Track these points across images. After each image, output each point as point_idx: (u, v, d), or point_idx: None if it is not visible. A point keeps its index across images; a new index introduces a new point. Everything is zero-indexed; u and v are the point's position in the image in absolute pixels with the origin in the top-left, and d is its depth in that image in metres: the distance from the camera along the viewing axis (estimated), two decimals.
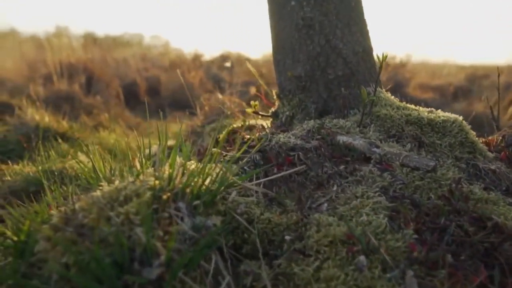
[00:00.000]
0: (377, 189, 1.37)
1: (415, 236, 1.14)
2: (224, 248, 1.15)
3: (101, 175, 1.30)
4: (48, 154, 2.34)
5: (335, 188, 1.42)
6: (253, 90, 2.86)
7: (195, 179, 1.18)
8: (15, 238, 1.10)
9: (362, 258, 1.09)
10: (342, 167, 1.52)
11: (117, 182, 1.13)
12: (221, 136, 2.39)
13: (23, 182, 2.05)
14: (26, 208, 1.21)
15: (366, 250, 1.12)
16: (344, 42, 1.82)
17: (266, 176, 1.47)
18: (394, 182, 1.41)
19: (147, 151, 1.40)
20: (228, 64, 8.74)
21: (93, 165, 1.31)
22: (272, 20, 1.94)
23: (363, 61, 1.86)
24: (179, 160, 1.38)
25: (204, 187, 1.18)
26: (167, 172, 1.22)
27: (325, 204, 1.37)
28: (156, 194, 1.07)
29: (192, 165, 1.29)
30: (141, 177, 1.16)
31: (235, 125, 2.37)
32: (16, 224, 1.13)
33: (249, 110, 2.05)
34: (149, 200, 1.06)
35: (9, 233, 1.13)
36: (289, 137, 1.63)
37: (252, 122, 2.45)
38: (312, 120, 1.73)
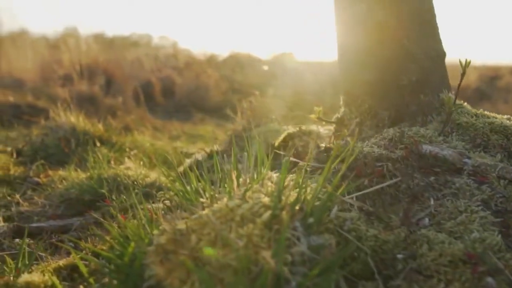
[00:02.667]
0: (478, 202, 1.30)
1: None
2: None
3: (197, 191, 1.23)
4: (95, 160, 2.28)
5: (432, 201, 1.36)
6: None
7: (303, 195, 1.12)
8: (119, 261, 1.03)
9: (490, 280, 1.03)
10: (432, 178, 1.45)
11: (225, 200, 1.06)
12: (277, 141, 2.33)
13: (77, 191, 1.99)
14: (120, 226, 1.14)
15: (490, 271, 1.06)
16: (418, 47, 1.75)
17: (357, 188, 1.40)
18: (494, 195, 1.34)
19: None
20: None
21: (187, 180, 1.24)
22: (339, 24, 1.87)
23: (437, 66, 1.80)
24: (270, 173, 1.31)
25: (313, 203, 1.12)
26: (271, 188, 1.16)
27: (426, 219, 1.30)
28: (275, 213, 1.00)
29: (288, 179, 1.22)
30: (247, 193, 1.10)
31: (290, 131, 2.30)
32: (117, 245, 1.06)
33: (312, 116, 1.98)
34: (268, 220, 0.99)
35: (111, 255, 1.06)
36: (372, 146, 1.56)
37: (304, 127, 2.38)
38: (391, 128, 1.66)
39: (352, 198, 1.33)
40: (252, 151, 2.49)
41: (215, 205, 1.03)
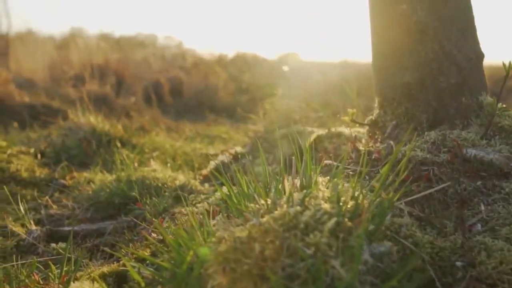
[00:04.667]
0: None
1: None
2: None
3: (252, 197, 1.20)
4: (121, 162, 2.25)
5: (482, 206, 1.33)
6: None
7: (361, 201, 1.09)
8: (177, 270, 1.00)
9: None
10: (479, 183, 1.42)
11: (285, 207, 1.03)
12: (307, 144, 2.30)
13: (106, 193, 1.96)
14: (173, 233, 1.11)
15: None
16: (459, 48, 1.72)
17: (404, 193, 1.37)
18: None
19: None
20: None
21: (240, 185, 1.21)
22: (376, 24, 1.84)
23: (476, 69, 1.76)
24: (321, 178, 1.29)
25: (372, 209, 1.09)
26: (327, 193, 1.13)
27: (479, 225, 1.27)
28: (339, 220, 0.97)
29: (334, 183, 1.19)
30: (306, 200, 1.07)
31: (319, 133, 2.27)
32: (174, 252, 1.03)
33: (346, 118, 1.95)
34: (333, 228, 0.96)
35: (166, 264, 1.03)
36: (414, 150, 1.53)
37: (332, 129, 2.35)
38: (432, 132, 1.63)
39: (401, 203, 1.30)
40: (280, 153, 2.46)
41: (276, 212, 0.99)
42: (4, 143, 2.42)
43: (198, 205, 1.87)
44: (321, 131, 2.27)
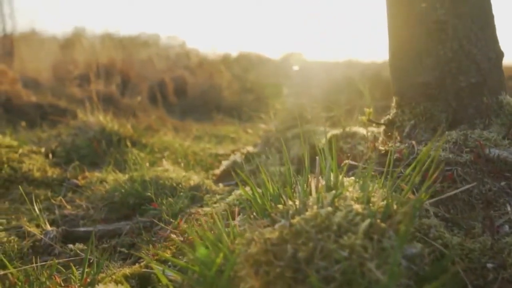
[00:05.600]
0: None
1: None
2: None
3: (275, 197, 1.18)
4: (134, 162, 2.23)
5: (509, 207, 1.31)
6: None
7: (391, 202, 1.07)
8: (207, 272, 0.98)
9: None
10: (503, 183, 1.40)
11: (315, 208, 1.01)
12: (322, 143, 2.28)
13: (121, 194, 1.94)
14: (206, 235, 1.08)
15: None
16: (478, 47, 1.70)
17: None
18: None
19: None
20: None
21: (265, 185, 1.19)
22: (394, 23, 1.82)
23: (495, 68, 1.74)
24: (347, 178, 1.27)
25: (402, 210, 1.07)
26: (356, 194, 1.11)
27: (506, 226, 1.25)
28: (373, 222, 0.95)
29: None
30: (336, 200, 1.05)
31: (333, 133, 2.25)
32: (202, 254, 1.01)
33: (363, 118, 1.93)
34: (367, 229, 0.94)
35: (194, 267, 1.01)
36: (435, 150, 1.51)
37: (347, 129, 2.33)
38: (453, 131, 1.61)
39: (427, 204, 1.29)
40: (293, 153, 2.43)
41: (307, 213, 0.98)
42: (15, 143, 2.40)
43: (214, 205, 1.85)
44: (335, 131, 2.25)
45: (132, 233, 1.67)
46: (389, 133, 1.92)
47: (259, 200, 1.22)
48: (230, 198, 1.73)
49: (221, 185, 2.11)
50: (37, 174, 2.25)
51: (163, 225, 1.60)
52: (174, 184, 1.99)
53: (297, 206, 1.06)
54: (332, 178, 1.22)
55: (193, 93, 8.06)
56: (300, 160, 2.24)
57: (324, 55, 16.28)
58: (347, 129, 2.22)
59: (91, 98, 5.24)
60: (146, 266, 1.25)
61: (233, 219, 1.51)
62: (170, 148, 2.99)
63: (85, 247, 1.56)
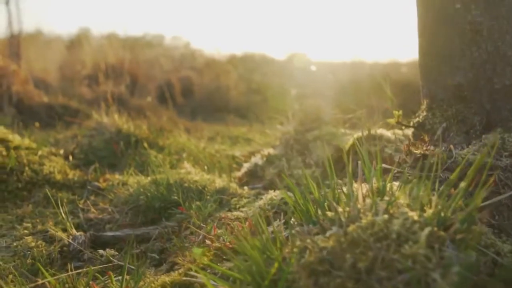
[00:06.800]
0: None
1: None
2: None
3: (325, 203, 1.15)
4: (156, 164, 2.20)
5: None
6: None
7: (445, 210, 1.04)
8: (260, 283, 0.95)
9: None
10: None
11: (369, 215, 0.98)
12: (347, 146, 2.25)
13: (146, 197, 1.91)
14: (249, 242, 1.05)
15: None
16: None
17: None
18: None
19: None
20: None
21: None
22: (425, 24, 1.79)
23: None
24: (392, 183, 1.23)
25: (456, 218, 1.04)
26: (406, 201, 1.08)
27: None
28: (433, 230, 0.92)
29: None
30: (390, 208, 1.02)
31: (359, 135, 2.22)
32: (253, 264, 0.98)
33: (391, 120, 1.90)
34: (427, 238, 0.91)
35: (244, 276, 0.98)
36: (474, 154, 1.48)
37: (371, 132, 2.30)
38: (490, 134, 1.58)
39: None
40: (316, 156, 2.39)
41: (363, 221, 0.95)
42: (33, 145, 2.38)
43: (242, 209, 1.82)
44: (359, 133, 2.22)
45: (162, 238, 1.65)
46: (419, 136, 1.89)
47: (302, 206, 1.19)
48: (260, 202, 1.70)
49: (246, 188, 2.08)
50: (58, 177, 2.22)
51: (194, 229, 1.57)
52: (200, 187, 1.96)
53: (349, 213, 1.03)
54: (376, 183, 1.19)
55: (200, 94, 8.03)
56: (325, 163, 2.20)
57: (328, 55, 16.23)
58: (372, 131, 2.19)
59: (103, 99, 5.22)
60: (186, 274, 1.22)
61: (268, 224, 1.48)
62: (186, 150, 2.96)
63: (116, 253, 1.53)
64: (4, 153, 2.13)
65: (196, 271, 1.13)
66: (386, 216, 0.96)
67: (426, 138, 1.86)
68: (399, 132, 2.29)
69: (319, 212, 1.13)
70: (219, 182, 2.07)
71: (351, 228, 0.95)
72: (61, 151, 2.54)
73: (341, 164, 2.20)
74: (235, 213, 1.72)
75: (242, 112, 6.91)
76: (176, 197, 1.87)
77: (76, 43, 9.23)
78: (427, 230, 0.91)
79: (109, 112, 3.13)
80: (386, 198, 1.04)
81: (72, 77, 6.32)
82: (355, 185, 1.20)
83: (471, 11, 1.65)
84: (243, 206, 1.84)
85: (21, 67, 5.66)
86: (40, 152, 2.33)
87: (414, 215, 0.97)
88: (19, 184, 2.10)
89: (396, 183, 1.25)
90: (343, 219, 1.01)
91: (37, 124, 3.46)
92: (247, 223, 1.46)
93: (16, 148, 2.24)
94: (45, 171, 2.21)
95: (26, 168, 2.16)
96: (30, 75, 5.53)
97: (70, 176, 2.28)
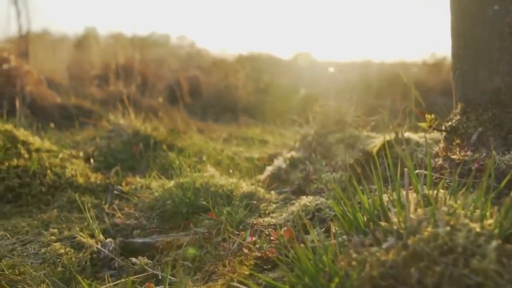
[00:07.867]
0: None
1: None
2: None
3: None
4: (180, 167, 2.17)
5: None
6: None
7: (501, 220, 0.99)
8: None
9: None
10: None
11: (429, 227, 0.94)
12: (375, 149, 2.21)
13: (173, 202, 1.88)
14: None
15: None
16: None
17: None
18: None
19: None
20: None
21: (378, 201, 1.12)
22: (461, 26, 1.75)
23: None
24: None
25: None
26: (463, 211, 1.04)
27: None
28: (499, 244, 0.88)
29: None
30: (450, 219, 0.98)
31: (386, 138, 2.18)
32: (307, 277, 0.95)
33: (423, 124, 1.86)
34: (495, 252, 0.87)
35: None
36: None
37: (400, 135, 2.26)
38: None
39: None
40: (340, 159, 2.34)
41: (425, 233, 0.91)
42: (54, 147, 2.35)
43: (272, 215, 1.78)
44: (386, 137, 2.18)
45: (193, 245, 1.61)
46: (452, 140, 1.85)
47: (350, 215, 1.15)
48: (293, 209, 1.66)
49: (273, 192, 2.04)
50: (80, 180, 2.19)
51: (227, 236, 1.54)
52: (227, 192, 1.92)
53: (405, 224, 0.99)
54: (426, 192, 1.15)
55: (208, 93, 7.99)
56: (351, 167, 2.16)
57: (334, 55, 16.16)
58: (399, 134, 2.15)
59: (114, 99, 5.19)
60: (229, 286, 1.19)
61: (306, 233, 1.44)
62: (205, 152, 2.92)
63: (150, 261, 1.50)
64: (26, 155, 2.10)
65: (240, 282, 1.09)
66: (448, 228, 0.92)
67: (460, 143, 1.82)
68: (427, 135, 2.25)
69: (370, 222, 1.09)
70: (245, 186, 2.03)
71: (411, 240, 0.91)
72: (81, 154, 2.51)
73: (368, 169, 2.16)
74: (266, 219, 1.68)
75: (251, 112, 6.87)
76: (203, 202, 1.84)
77: (83, 42, 9.20)
78: (494, 243, 0.87)
79: (125, 113, 3.09)
80: (444, 208, 1.00)
81: (81, 76, 6.29)
82: (402, 192, 1.16)
83: (510, 12, 1.61)
84: (273, 212, 1.80)
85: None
86: (61, 155, 2.29)
87: (476, 226, 0.93)
88: (43, 188, 2.07)
89: (442, 191, 1.21)
90: (401, 231, 0.97)
91: (52, 125, 3.43)
92: (283, 231, 1.42)
93: (37, 150, 2.21)
94: (67, 175, 2.18)
95: (48, 171, 2.13)
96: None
97: (92, 179, 2.25)
